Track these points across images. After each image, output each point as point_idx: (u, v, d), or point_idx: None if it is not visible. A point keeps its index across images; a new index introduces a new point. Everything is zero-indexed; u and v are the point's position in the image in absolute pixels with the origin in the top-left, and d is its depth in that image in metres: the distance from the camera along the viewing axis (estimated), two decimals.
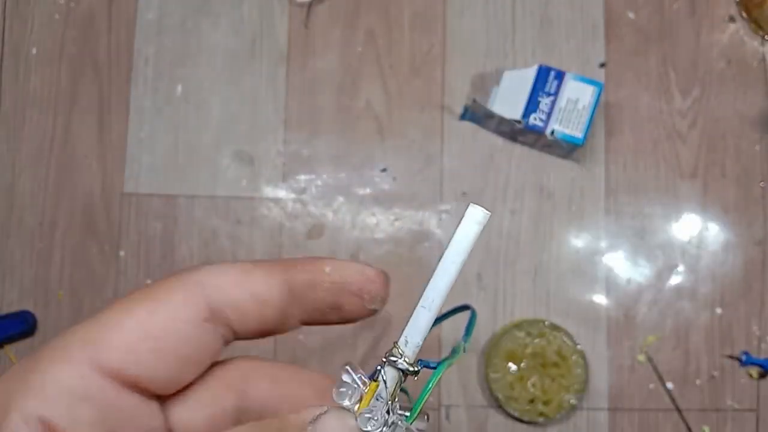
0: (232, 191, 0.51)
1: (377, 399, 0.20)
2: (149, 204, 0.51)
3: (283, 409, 0.22)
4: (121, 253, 0.50)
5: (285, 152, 0.51)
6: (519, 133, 0.50)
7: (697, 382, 0.50)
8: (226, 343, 0.20)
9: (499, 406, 0.49)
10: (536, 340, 0.48)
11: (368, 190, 0.51)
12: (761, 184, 0.52)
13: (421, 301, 0.19)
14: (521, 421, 0.49)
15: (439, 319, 0.20)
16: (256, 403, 0.22)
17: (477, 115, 0.51)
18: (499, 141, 0.52)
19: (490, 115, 0.49)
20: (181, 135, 0.51)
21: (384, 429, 0.20)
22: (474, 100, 0.49)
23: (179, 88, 0.52)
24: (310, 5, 0.52)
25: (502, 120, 0.49)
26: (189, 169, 0.51)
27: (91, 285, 0.50)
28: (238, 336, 0.20)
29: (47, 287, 0.50)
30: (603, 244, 0.51)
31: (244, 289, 0.20)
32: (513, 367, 0.48)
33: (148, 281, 0.50)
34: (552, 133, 0.48)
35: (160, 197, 0.51)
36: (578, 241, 0.51)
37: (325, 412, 0.19)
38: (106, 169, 0.51)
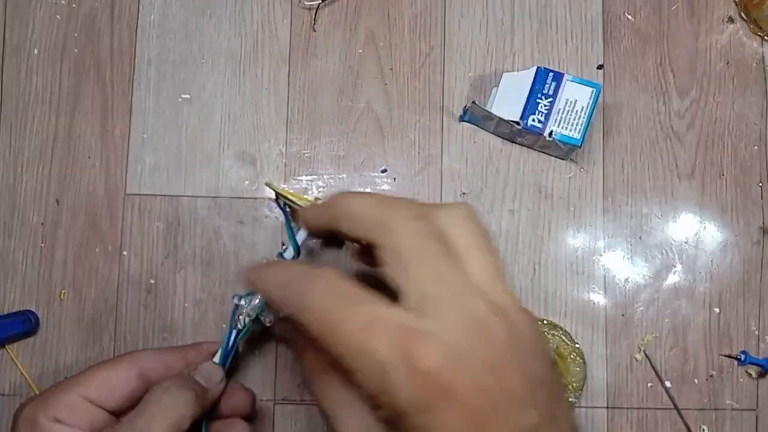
0: (235, 192, 0.51)
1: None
2: (152, 204, 0.51)
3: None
4: (124, 253, 0.51)
5: (287, 153, 0.52)
6: (518, 134, 0.50)
7: (696, 381, 0.51)
8: (149, 384, 0.40)
9: None
10: None
11: (369, 191, 0.51)
12: (759, 184, 0.52)
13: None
14: None
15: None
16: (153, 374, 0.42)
17: (476, 116, 0.51)
18: (498, 142, 0.52)
19: (489, 117, 0.50)
20: (183, 136, 0.52)
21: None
22: (473, 102, 0.50)
23: (182, 89, 0.52)
24: (317, 8, 0.52)
25: (501, 121, 0.49)
26: (192, 170, 0.51)
27: (93, 285, 0.50)
28: (154, 382, 0.40)
29: (49, 287, 0.50)
30: (601, 243, 0.52)
31: (159, 363, 0.42)
32: None
33: (152, 281, 0.50)
34: (550, 134, 0.49)
35: (162, 198, 0.51)
36: (576, 241, 0.52)
37: (200, 365, 0.42)
38: (109, 170, 0.51)
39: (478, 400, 0.28)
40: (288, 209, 0.42)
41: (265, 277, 0.34)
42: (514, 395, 0.29)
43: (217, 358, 0.42)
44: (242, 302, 0.41)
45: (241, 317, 0.41)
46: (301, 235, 0.41)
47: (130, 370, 0.40)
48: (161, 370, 0.42)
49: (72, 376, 0.40)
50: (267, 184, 0.40)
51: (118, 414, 0.40)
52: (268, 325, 0.42)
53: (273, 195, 0.46)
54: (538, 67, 0.49)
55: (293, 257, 0.42)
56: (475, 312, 0.29)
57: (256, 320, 0.42)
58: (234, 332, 0.42)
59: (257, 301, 0.41)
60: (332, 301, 0.30)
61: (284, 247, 0.43)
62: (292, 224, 0.42)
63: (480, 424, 0.29)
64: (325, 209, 0.34)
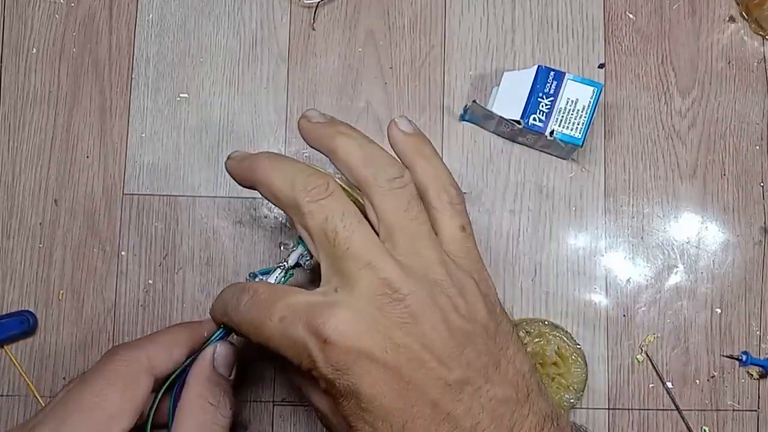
0: (234, 191, 0.51)
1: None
2: (150, 204, 0.51)
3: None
4: (123, 253, 0.50)
5: (286, 152, 0.51)
6: (518, 133, 0.50)
7: (697, 381, 0.51)
8: (156, 380, 0.38)
9: None
10: (536, 340, 0.48)
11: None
12: (761, 184, 0.52)
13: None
14: None
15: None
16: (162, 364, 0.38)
17: (477, 115, 0.51)
18: (498, 141, 0.52)
19: (490, 116, 0.49)
20: (182, 135, 0.52)
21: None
22: (474, 101, 0.49)
23: (180, 88, 0.52)
24: (317, 6, 0.52)
25: (501, 121, 0.49)
26: (190, 170, 0.51)
27: (92, 285, 0.50)
28: (161, 378, 0.38)
29: (48, 287, 0.50)
30: (602, 243, 0.51)
31: (169, 363, 0.38)
32: None
33: (150, 281, 0.50)
34: (551, 133, 0.48)
35: (161, 197, 0.51)
36: (577, 241, 0.51)
37: (217, 346, 0.39)
38: (107, 169, 0.51)
39: (396, 357, 0.31)
40: None
41: (214, 307, 0.39)
42: (435, 350, 0.31)
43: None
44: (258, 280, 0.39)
45: None
46: None
47: (149, 383, 0.37)
48: (170, 367, 0.39)
49: (99, 414, 0.36)
50: None
51: None
52: None
53: None
54: (539, 66, 0.49)
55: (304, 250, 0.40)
56: (385, 278, 0.32)
57: None
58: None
59: (273, 279, 0.39)
60: (256, 309, 0.34)
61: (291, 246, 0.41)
62: None
63: (403, 379, 0.31)
64: (247, 169, 0.37)
